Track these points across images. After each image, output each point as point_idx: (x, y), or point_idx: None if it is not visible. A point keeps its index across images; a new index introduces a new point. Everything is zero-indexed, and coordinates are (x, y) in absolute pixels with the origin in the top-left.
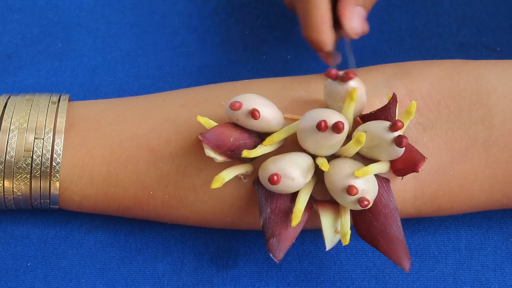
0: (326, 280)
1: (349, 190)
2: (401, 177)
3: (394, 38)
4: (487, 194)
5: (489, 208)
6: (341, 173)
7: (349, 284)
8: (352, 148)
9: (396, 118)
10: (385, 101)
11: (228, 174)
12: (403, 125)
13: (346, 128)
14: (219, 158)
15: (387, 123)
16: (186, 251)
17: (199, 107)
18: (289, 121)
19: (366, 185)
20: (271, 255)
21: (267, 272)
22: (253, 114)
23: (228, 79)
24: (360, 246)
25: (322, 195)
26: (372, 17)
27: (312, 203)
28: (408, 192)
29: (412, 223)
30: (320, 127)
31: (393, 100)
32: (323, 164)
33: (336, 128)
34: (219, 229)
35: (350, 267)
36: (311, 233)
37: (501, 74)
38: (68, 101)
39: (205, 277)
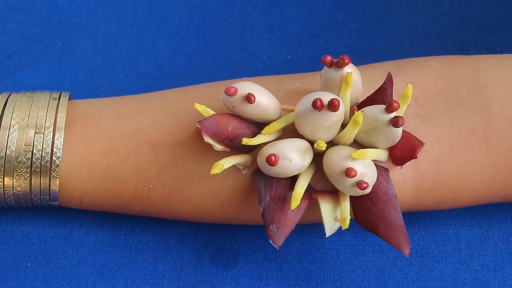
0: (326, 280)
1: (347, 172)
2: (400, 166)
3: (394, 38)
4: (488, 185)
5: (490, 201)
6: (339, 157)
7: (349, 284)
8: (350, 131)
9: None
10: None
11: (227, 162)
12: (399, 106)
13: (342, 108)
14: (217, 146)
15: (383, 106)
16: (186, 251)
17: (198, 102)
18: (286, 112)
19: (364, 169)
20: (271, 242)
21: (267, 272)
22: (249, 98)
23: (228, 79)
24: (360, 246)
25: (322, 185)
26: (372, 17)
27: (312, 192)
28: (408, 183)
29: (412, 223)
30: (316, 105)
31: (389, 81)
32: (320, 142)
33: (332, 105)
34: (219, 229)
35: (350, 267)
36: (311, 232)
37: (498, 65)
38: (69, 99)
39: (205, 277)
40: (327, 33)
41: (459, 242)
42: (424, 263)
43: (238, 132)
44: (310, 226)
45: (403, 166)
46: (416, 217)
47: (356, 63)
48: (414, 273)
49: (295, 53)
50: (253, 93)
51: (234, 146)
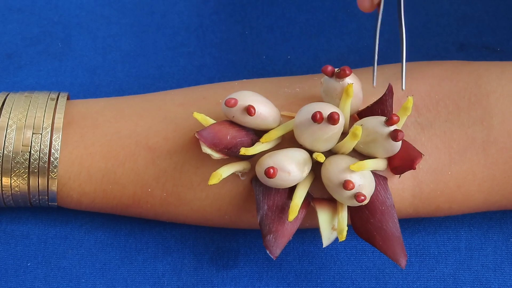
0: (326, 280)
1: (345, 184)
2: (399, 175)
3: (394, 38)
4: (485, 195)
5: (487, 209)
6: (337, 168)
7: (349, 284)
8: (349, 143)
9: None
10: None
11: (225, 171)
12: (399, 119)
13: (342, 121)
14: (216, 155)
15: (383, 118)
16: (186, 251)
17: (197, 106)
18: (286, 118)
19: (362, 181)
20: (267, 252)
21: (267, 272)
22: (249, 110)
23: (228, 79)
24: (360, 246)
25: (320, 193)
26: (372, 17)
27: (310, 200)
28: (406, 191)
29: (412, 223)
30: (316, 118)
31: (389, 92)
32: (319, 155)
33: (331, 119)
34: (219, 229)
35: (350, 267)
36: (311, 233)
37: (501, 75)
38: (67, 99)
39: (205, 277)
40: (327, 33)
41: (459, 242)
42: (424, 263)
43: (237, 141)
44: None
45: (402, 175)
46: (416, 217)
47: (356, 63)
48: (414, 273)
49: (295, 53)
50: (253, 105)
51: (233, 154)
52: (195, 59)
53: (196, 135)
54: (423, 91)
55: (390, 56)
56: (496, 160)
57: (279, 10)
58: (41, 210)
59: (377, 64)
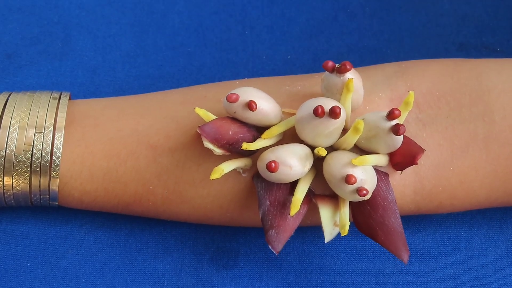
0: (326, 280)
1: (347, 179)
2: (400, 171)
3: (394, 38)
4: (487, 191)
5: (489, 206)
6: (339, 163)
7: (349, 284)
8: (350, 138)
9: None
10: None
11: (227, 166)
12: (400, 113)
13: (343, 115)
14: (217, 150)
15: (384, 112)
16: (186, 251)
17: (198, 104)
18: (287, 115)
19: (364, 175)
20: (270, 247)
21: (267, 272)
22: (250, 105)
23: (228, 79)
24: (360, 246)
25: (322, 189)
26: (372, 17)
27: (311, 196)
28: (407, 188)
29: (412, 223)
30: (317, 112)
31: None
32: (321, 149)
33: (333, 113)
34: (219, 229)
35: (350, 267)
36: (311, 233)
37: (501, 71)
38: (69, 99)
39: (205, 277)
40: (327, 33)
41: (459, 242)
42: (424, 263)
43: (239, 137)
44: (310, 226)
45: (403, 171)
46: (416, 217)
47: (356, 63)
48: (414, 273)
49: (295, 53)
50: (254, 100)
51: (234, 150)
52: (195, 59)
53: (198, 130)
54: (424, 88)
55: (390, 56)
56: (498, 156)
57: (279, 10)
58: (41, 210)
59: (377, 64)
